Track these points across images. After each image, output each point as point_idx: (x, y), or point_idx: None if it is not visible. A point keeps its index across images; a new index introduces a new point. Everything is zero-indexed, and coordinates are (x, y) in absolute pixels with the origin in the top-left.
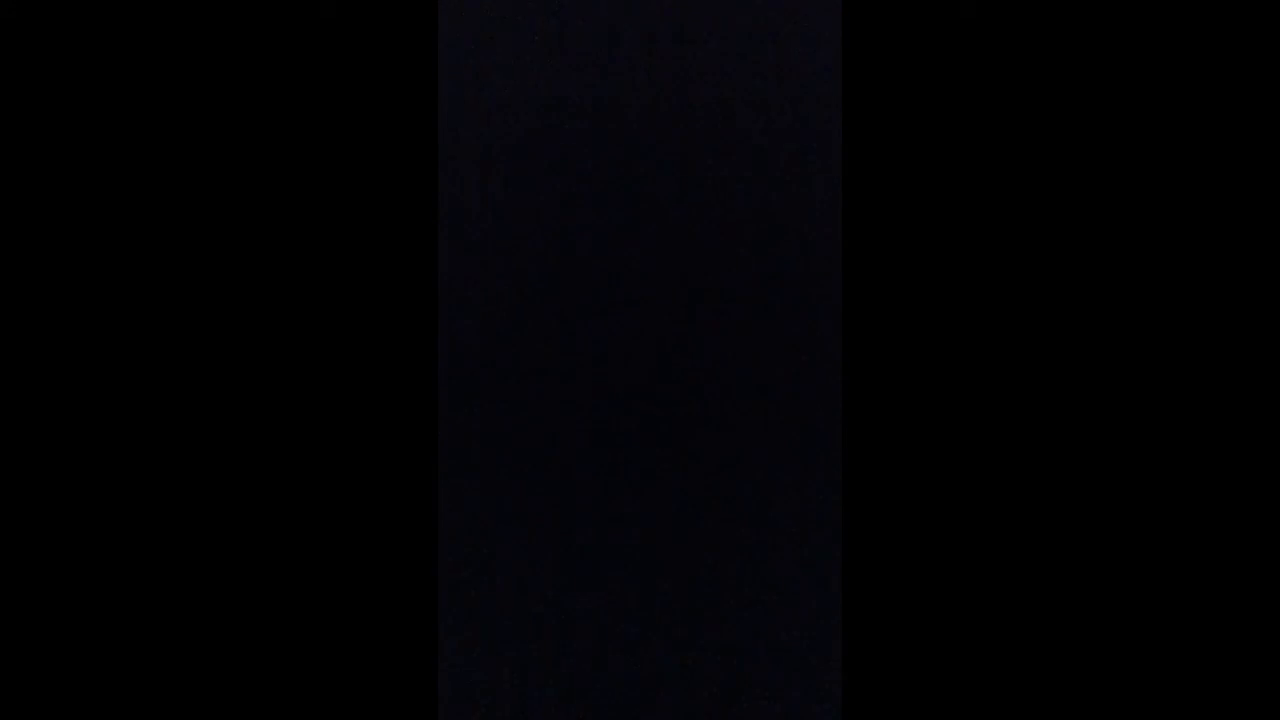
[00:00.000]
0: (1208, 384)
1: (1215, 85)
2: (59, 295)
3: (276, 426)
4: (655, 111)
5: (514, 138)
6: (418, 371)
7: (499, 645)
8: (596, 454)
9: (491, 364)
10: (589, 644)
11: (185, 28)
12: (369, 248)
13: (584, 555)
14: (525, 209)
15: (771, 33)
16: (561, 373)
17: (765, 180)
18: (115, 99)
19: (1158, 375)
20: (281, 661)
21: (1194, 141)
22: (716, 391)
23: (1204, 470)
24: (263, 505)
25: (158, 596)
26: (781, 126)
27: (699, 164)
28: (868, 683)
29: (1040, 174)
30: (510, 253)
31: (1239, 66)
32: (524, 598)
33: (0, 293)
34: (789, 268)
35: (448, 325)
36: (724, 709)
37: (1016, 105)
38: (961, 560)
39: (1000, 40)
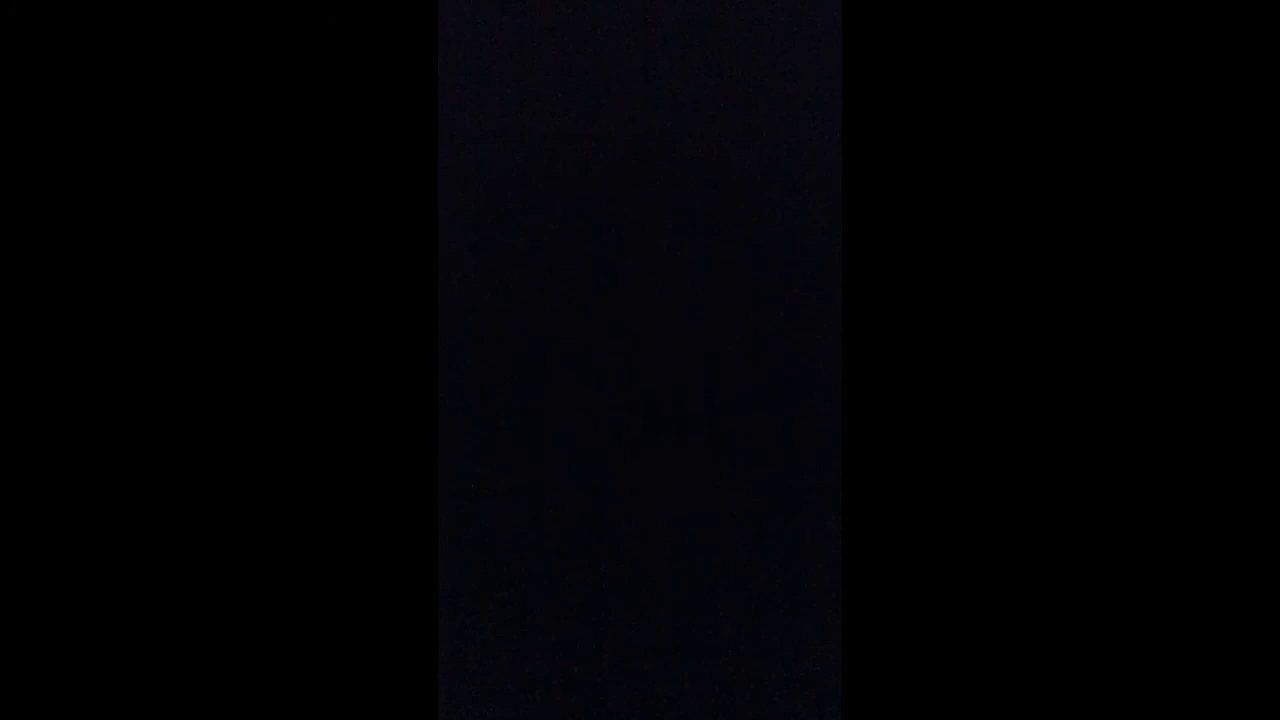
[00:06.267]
0: (1208, 384)
1: (1215, 85)
2: (57, 295)
3: (276, 427)
4: (656, 131)
5: (516, 142)
6: (418, 371)
7: (499, 646)
8: (597, 455)
9: (491, 365)
10: (589, 644)
11: (185, 27)
12: (369, 248)
13: (584, 555)
14: (526, 210)
15: (772, 56)
16: (561, 374)
17: (765, 197)
18: (115, 99)
19: (1158, 375)
20: (281, 661)
21: (1194, 141)
22: (716, 393)
23: (1204, 470)
24: (262, 505)
25: (157, 596)
26: (781, 149)
27: (700, 179)
28: (868, 683)
29: (1040, 185)
30: (511, 253)
31: (1239, 66)
32: (524, 598)
33: (0, 293)
34: (788, 272)
35: (448, 325)
36: (724, 709)
37: (1017, 123)
38: (962, 560)
39: (1001, 56)
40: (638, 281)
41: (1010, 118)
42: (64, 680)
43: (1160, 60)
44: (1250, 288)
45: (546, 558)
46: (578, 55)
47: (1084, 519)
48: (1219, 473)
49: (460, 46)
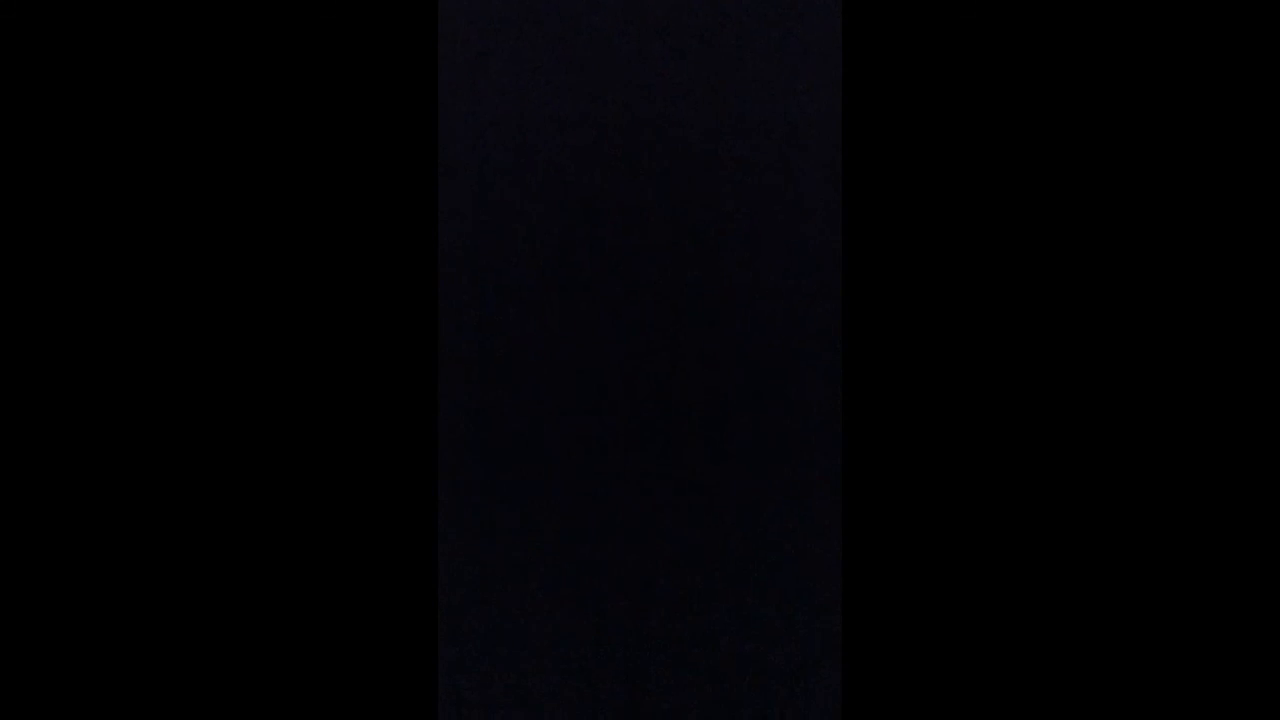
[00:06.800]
0: (1208, 383)
1: (1215, 85)
2: (58, 294)
3: (277, 426)
4: (655, 117)
5: (514, 141)
6: (418, 370)
7: (499, 645)
8: (597, 455)
9: (491, 364)
10: (589, 643)
11: (185, 28)
12: (369, 247)
13: (584, 554)
14: (525, 199)
15: (771, 46)
16: (561, 374)
17: (763, 184)
18: (115, 99)
19: (1158, 374)
20: (281, 660)
21: (1194, 141)
22: (716, 393)
23: (1204, 470)
24: (262, 505)
25: (157, 596)
26: (780, 136)
27: (699, 166)
28: (868, 683)
29: (1042, 180)
30: (510, 253)
31: (1239, 66)
32: (524, 598)
33: (0, 293)
34: (788, 269)
35: (448, 325)
36: (724, 709)
37: (1017, 118)
38: (962, 560)
39: (1000, 51)
40: (636, 270)
41: (1011, 111)
42: (64, 680)
43: (1160, 60)
44: (1250, 288)
45: (546, 557)
46: (577, 44)
47: (1084, 518)
48: (1219, 472)
49: (460, 36)
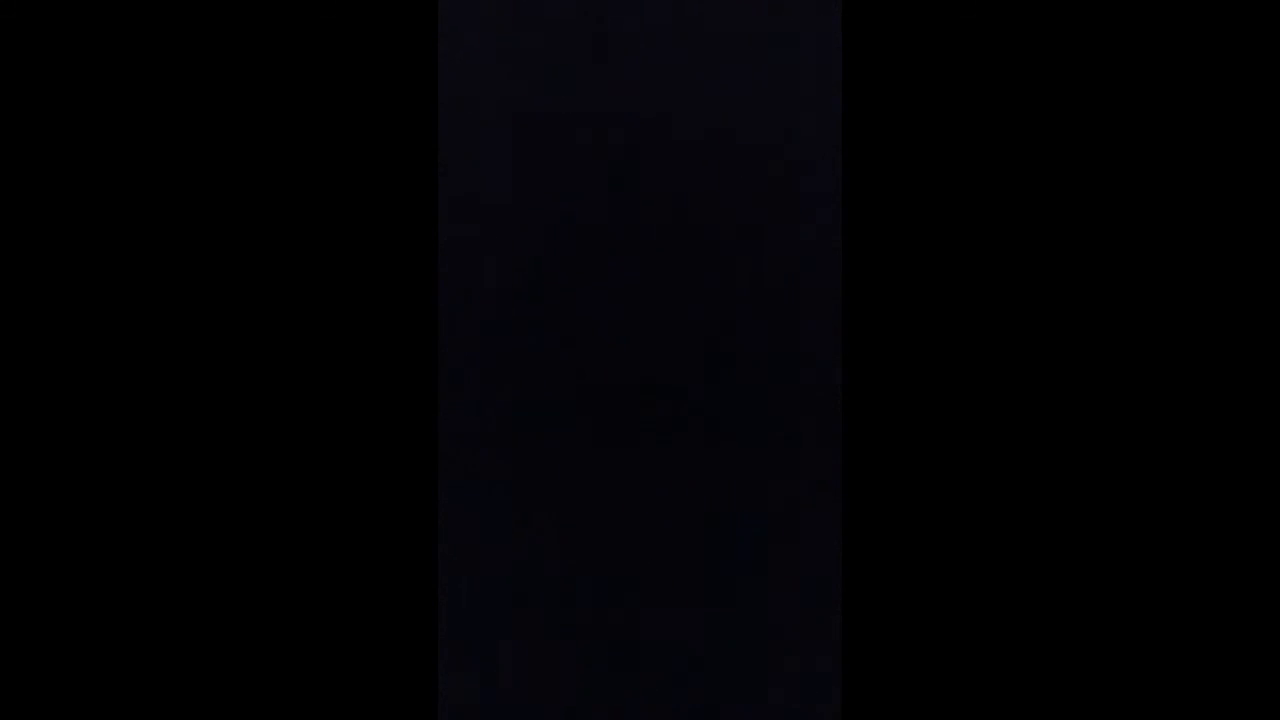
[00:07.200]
0: (1208, 383)
1: (1215, 85)
2: (58, 295)
3: (276, 427)
4: (655, 116)
5: (514, 140)
6: (418, 370)
7: (499, 645)
8: (597, 454)
9: (491, 364)
10: (588, 643)
11: (182, 24)
12: (369, 246)
13: (583, 555)
14: (526, 209)
15: (771, 46)
16: (562, 374)
17: (764, 182)
18: (115, 99)
19: (1159, 374)
20: (281, 660)
21: (1196, 141)
22: (716, 392)
23: (1204, 470)
24: (262, 506)
25: (157, 595)
26: (780, 134)
27: (698, 165)
28: (868, 683)
29: (1043, 178)
30: (510, 253)
31: (1239, 66)
32: (524, 598)
33: (0, 293)
34: (788, 269)
35: (448, 325)
36: (724, 708)
37: (1019, 118)
38: (962, 561)
39: (1001, 46)
40: (637, 270)
41: (1013, 111)
42: (64, 680)
43: (1162, 60)
44: (1250, 288)
45: (546, 557)
46: (577, 43)
47: (1088, 520)
48: (1219, 472)
49: (460, 36)
